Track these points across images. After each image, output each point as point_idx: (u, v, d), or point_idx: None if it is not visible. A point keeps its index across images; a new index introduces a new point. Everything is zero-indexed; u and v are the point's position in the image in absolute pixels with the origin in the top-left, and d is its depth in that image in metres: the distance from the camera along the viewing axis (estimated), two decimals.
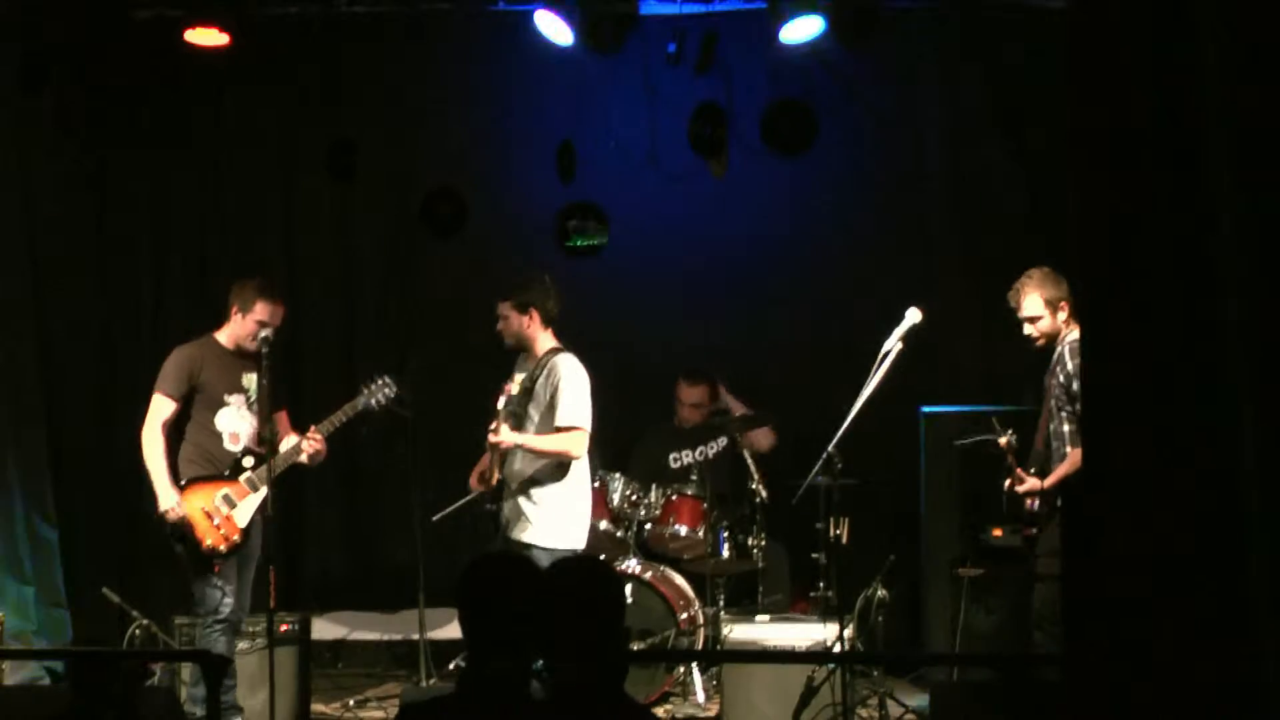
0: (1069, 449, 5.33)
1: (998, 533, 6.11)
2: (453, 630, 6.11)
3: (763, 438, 7.21)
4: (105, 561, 7.39)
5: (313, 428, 5.93)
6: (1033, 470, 5.46)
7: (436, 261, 7.88)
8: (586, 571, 3.21)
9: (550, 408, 5.89)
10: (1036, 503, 5.42)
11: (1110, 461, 2.82)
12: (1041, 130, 7.19)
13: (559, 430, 5.88)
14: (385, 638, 7.64)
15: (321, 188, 7.68)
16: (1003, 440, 5.50)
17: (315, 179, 7.64)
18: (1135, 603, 2.72)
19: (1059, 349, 5.40)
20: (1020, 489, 5.46)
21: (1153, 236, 2.78)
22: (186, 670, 6.02)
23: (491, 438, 5.85)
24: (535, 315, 5.99)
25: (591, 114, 7.64)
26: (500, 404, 5.97)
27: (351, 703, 6.84)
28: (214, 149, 7.86)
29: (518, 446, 5.90)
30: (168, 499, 5.75)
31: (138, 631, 6.54)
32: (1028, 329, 5.54)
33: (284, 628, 6.23)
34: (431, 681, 6.80)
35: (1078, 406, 5.23)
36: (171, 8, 6.87)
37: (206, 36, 6.79)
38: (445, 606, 6.49)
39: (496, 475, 5.97)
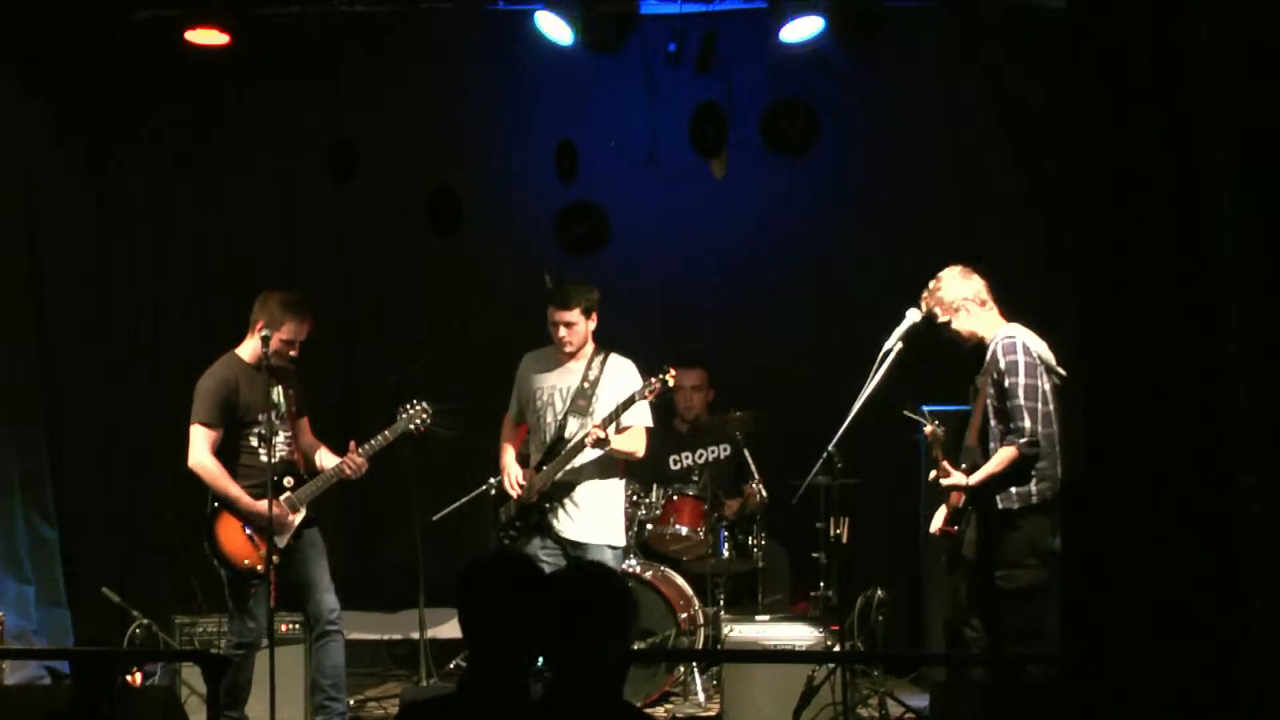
0: (1002, 448, 5.27)
1: None
2: (453, 630, 6.10)
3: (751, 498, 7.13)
4: (105, 561, 7.39)
5: (354, 445, 5.87)
6: (963, 466, 5.40)
7: (436, 261, 7.88)
8: (588, 574, 3.20)
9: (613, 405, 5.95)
10: (963, 498, 5.37)
11: (1110, 462, 2.82)
12: (1041, 130, 7.18)
13: (626, 429, 5.97)
14: (385, 638, 7.63)
15: (321, 188, 7.68)
16: (928, 429, 5.43)
17: (315, 179, 7.63)
18: (1135, 603, 2.72)
19: (991, 347, 5.32)
20: (945, 482, 5.39)
21: (1153, 236, 2.78)
22: (187, 670, 6.01)
23: (597, 434, 5.85)
24: (595, 317, 6.03)
25: (591, 114, 7.64)
26: (557, 403, 5.97)
27: (351, 703, 6.84)
28: (214, 149, 7.85)
29: (594, 445, 5.92)
30: (263, 509, 5.56)
31: (138, 631, 6.55)
32: (951, 331, 5.44)
33: (285, 628, 6.23)
34: (431, 681, 6.80)
35: (1008, 403, 5.20)
36: (171, 8, 6.86)
37: (206, 36, 6.79)
38: (445, 606, 6.48)
39: (553, 478, 5.96)
